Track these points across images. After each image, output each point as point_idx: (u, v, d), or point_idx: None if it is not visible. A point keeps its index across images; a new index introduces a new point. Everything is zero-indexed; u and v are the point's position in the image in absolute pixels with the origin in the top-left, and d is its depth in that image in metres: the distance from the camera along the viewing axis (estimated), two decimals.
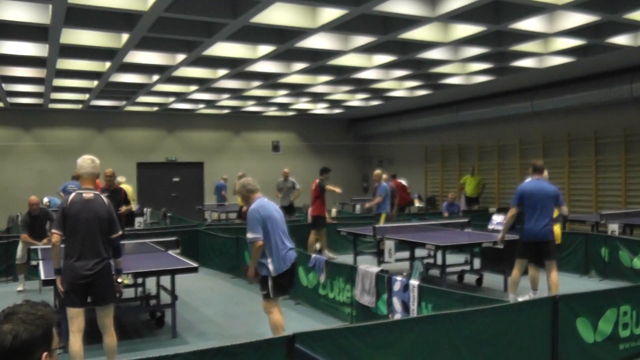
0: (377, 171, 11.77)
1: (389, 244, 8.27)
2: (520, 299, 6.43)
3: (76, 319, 4.56)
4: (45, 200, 14.23)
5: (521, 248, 6.98)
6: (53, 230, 4.62)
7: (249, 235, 5.15)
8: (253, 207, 5.24)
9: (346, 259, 10.00)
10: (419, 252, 8.63)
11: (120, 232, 4.85)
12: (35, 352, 1.70)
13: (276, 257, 5.17)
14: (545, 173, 7.39)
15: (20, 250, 8.81)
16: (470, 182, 16.38)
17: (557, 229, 7.49)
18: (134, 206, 13.44)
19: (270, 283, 5.16)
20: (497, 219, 10.19)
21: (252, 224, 5.14)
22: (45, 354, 1.72)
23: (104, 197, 4.76)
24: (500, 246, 7.40)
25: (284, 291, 5.35)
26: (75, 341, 4.54)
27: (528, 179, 7.11)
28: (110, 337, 4.72)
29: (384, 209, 11.32)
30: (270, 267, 5.15)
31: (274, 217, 5.27)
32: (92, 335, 6.26)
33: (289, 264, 5.26)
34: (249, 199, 5.36)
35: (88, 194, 4.63)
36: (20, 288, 8.79)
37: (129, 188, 13.45)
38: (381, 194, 11.33)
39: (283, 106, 18.13)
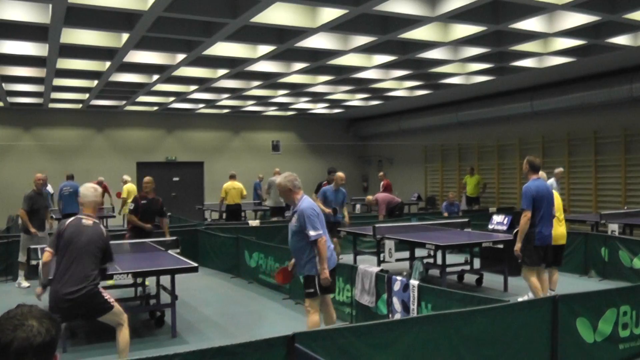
0: (340, 173, 10.12)
1: (388, 244, 8.27)
2: (520, 299, 6.42)
3: None
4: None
5: (534, 254, 6.49)
6: (46, 248, 4.69)
7: (314, 233, 5.00)
8: (308, 205, 5.14)
9: (346, 259, 10.01)
10: (419, 252, 8.63)
11: (111, 260, 4.90)
12: (54, 352, 1.72)
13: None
14: (543, 174, 7.03)
15: (22, 249, 8.83)
16: (470, 182, 16.39)
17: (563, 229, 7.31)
18: None
19: (317, 281, 5.11)
20: (497, 218, 10.19)
21: (313, 221, 5.03)
22: (56, 355, 1.74)
23: (102, 226, 4.83)
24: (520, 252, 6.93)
25: (328, 290, 5.28)
26: None
27: (533, 178, 6.56)
28: (119, 334, 4.74)
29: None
30: (318, 266, 5.09)
31: (323, 216, 5.27)
32: (92, 335, 6.27)
33: (335, 263, 5.29)
34: (295, 195, 5.23)
35: (88, 221, 4.71)
36: (27, 284, 8.81)
37: (133, 188, 13.47)
38: (319, 198, 9.72)
39: (283, 106, 18.13)
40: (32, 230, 8.66)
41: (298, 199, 5.20)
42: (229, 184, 13.45)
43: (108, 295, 4.72)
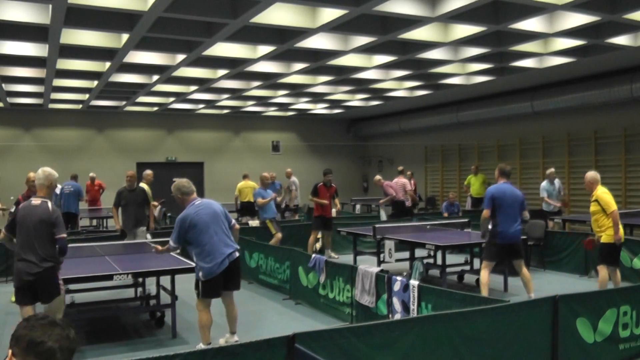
0: (264, 173, 11.38)
1: (388, 244, 8.27)
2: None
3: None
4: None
5: (493, 250, 7.00)
6: (3, 230, 5.11)
7: (170, 241, 5.38)
8: (180, 216, 5.38)
9: (346, 259, 10.01)
10: (419, 252, 8.63)
11: (63, 235, 5.11)
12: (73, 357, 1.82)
13: (201, 264, 5.29)
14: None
15: None
16: (475, 182, 15.79)
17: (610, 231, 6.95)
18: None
19: (200, 286, 5.34)
20: None
21: (174, 228, 5.33)
22: None
23: (50, 203, 5.11)
24: (484, 240, 7.33)
25: (213, 295, 5.42)
26: None
27: (501, 182, 7.26)
28: None
29: (268, 214, 10.73)
30: (200, 272, 5.31)
31: (201, 222, 5.29)
32: (93, 335, 6.27)
33: (216, 271, 5.31)
34: (184, 201, 5.45)
35: (36, 201, 5.07)
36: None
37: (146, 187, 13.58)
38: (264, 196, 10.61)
39: (283, 106, 18.14)
40: (152, 225, 9.17)
41: (187, 205, 5.42)
42: (242, 183, 14.12)
43: (61, 281, 5.10)
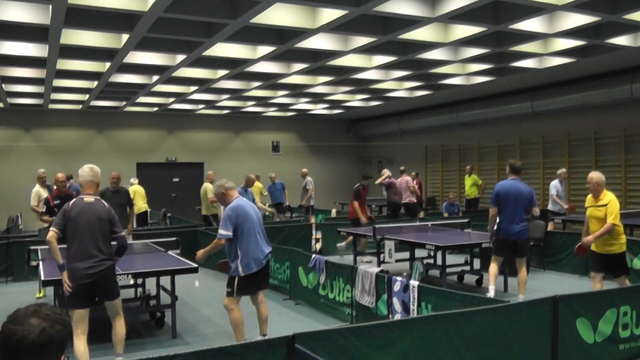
0: (251, 175, 11.37)
1: (389, 245, 8.27)
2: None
3: (82, 322, 4.65)
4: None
5: (498, 246, 7.18)
6: (51, 228, 4.71)
7: (219, 231, 5.38)
8: (230, 206, 5.41)
9: (346, 259, 10.00)
10: (419, 253, 8.63)
11: (123, 233, 4.98)
12: (54, 352, 1.71)
13: (246, 258, 5.29)
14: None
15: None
16: (466, 183, 15.72)
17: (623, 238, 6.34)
18: (146, 207, 13.59)
19: (236, 282, 5.32)
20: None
21: (225, 221, 5.35)
22: (62, 356, 1.75)
23: (103, 201, 4.94)
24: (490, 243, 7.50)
25: (247, 292, 5.44)
26: (80, 343, 4.61)
27: (510, 178, 7.23)
28: (118, 324, 4.95)
29: None
30: (240, 267, 5.30)
31: (251, 218, 5.38)
32: (93, 335, 6.25)
33: (259, 266, 5.35)
34: (229, 197, 5.48)
35: (89, 198, 4.83)
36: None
37: (140, 189, 13.54)
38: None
39: (283, 106, 18.14)
40: (130, 227, 8.98)
41: (233, 200, 5.46)
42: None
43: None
